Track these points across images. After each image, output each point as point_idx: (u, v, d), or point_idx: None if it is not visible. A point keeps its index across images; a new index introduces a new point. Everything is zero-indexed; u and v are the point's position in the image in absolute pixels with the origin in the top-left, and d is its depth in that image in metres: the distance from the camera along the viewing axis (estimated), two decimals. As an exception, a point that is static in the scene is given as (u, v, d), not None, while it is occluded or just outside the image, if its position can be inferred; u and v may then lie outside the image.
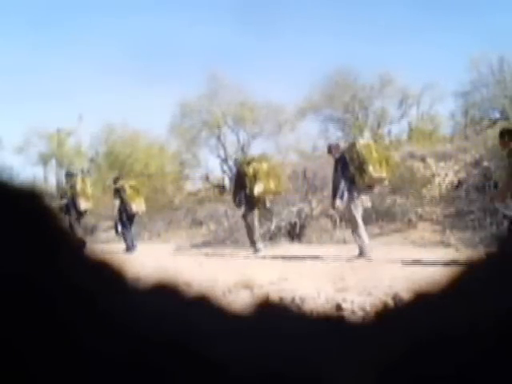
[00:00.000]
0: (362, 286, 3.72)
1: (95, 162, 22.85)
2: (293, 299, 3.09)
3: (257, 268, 5.91)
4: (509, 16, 29.36)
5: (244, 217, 8.20)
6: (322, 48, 36.49)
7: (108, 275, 0.65)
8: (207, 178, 21.29)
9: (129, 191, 9.58)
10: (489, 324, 0.54)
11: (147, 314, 0.60)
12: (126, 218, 9.37)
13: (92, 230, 15.47)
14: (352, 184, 6.70)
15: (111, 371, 0.53)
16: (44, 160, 23.90)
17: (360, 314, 2.68)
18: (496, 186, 9.69)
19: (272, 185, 7.98)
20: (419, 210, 10.34)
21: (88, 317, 0.56)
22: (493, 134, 12.82)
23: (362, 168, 6.57)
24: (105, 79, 38.95)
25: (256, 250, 7.97)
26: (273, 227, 10.96)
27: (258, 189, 7.79)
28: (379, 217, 10.64)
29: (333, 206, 6.89)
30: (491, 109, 18.89)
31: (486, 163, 10.74)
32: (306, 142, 21.44)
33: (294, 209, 11.26)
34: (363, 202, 6.81)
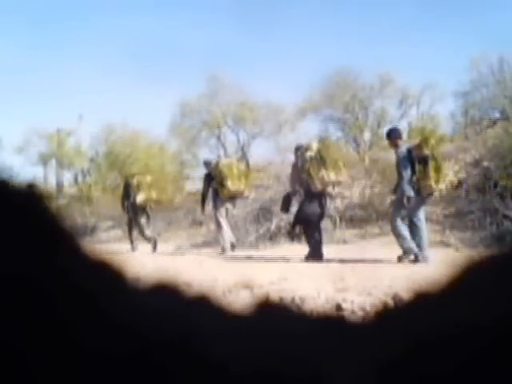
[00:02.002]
0: (362, 286, 3.72)
1: (95, 161, 22.82)
2: (293, 299, 3.08)
3: (257, 268, 5.91)
4: (509, 16, 29.37)
5: (130, 220, 9.74)
6: (322, 48, 36.50)
7: (108, 275, 0.65)
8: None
9: None
10: (488, 324, 0.54)
11: (147, 313, 0.60)
12: None
13: (92, 230, 15.46)
14: (216, 195, 8.32)
15: (111, 371, 0.53)
16: (44, 160, 23.88)
17: (360, 313, 2.68)
18: (496, 185, 9.70)
19: (154, 195, 9.44)
20: (419, 210, 10.32)
21: (88, 317, 0.56)
22: (493, 134, 12.80)
23: (222, 182, 8.12)
24: (105, 79, 38.97)
25: (149, 241, 9.42)
26: (273, 227, 10.96)
27: (139, 198, 9.30)
28: (379, 217, 10.63)
29: (202, 211, 8.78)
30: (491, 109, 18.88)
31: (486, 163, 10.73)
32: (306, 142, 21.40)
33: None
34: (228, 209, 8.47)
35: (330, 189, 6.93)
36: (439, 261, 5.71)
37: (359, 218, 10.89)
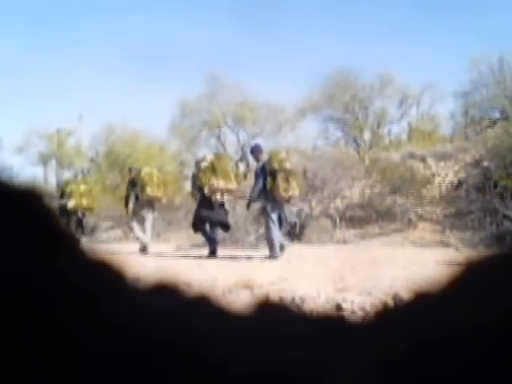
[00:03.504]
0: (362, 286, 3.72)
1: (95, 161, 22.80)
2: (293, 299, 3.08)
3: (257, 268, 5.91)
4: (509, 16, 29.38)
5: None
6: (322, 48, 36.51)
7: (108, 275, 0.65)
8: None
9: None
10: (489, 324, 0.54)
11: (147, 313, 0.61)
12: None
13: (92, 230, 15.46)
14: (137, 199, 9.41)
15: (111, 371, 0.53)
16: (44, 160, 23.87)
17: (360, 313, 2.68)
18: (496, 185, 9.70)
19: (84, 202, 10.82)
20: (419, 210, 10.33)
21: (88, 317, 0.56)
22: (493, 134, 12.81)
23: (143, 189, 9.21)
24: (105, 79, 38.94)
25: None
26: (273, 227, 10.95)
27: (69, 204, 10.61)
28: (379, 217, 10.63)
29: (126, 211, 9.72)
30: (491, 109, 18.88)
31: (486, 163, 10.74)
32: (306, 141, 21.41)
33: (294, 209, 11.26)
34: (146, 214, 9.47)
35: (219, 195, 8.02)
36: (439, 261, 5.71)
37: (359, 218, 10.89)
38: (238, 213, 11.08)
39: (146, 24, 39.59)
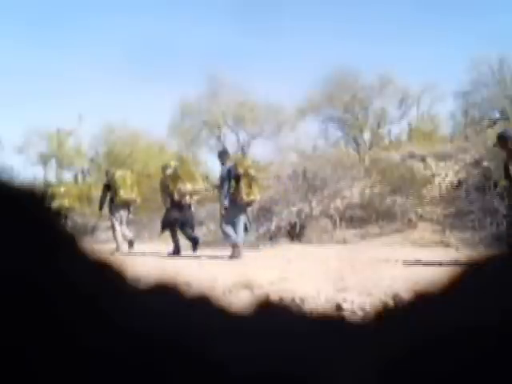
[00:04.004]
0: (362, 286, 3.71)
1: (95, 161, 22.80)
2: (293, 299, 3.08)
3: (257, 268, 5.91)
4: (509, 16, 29.38)
5: None
6: (322, 48, 36.53)
7: (108, 275, 0.65)
8: (207, 178, 21.26)
9: None
10: (489, 324, 0.54)
11: (147, 313, 0.60)
12: None
13: (92, 230, 15.45)
14: (112, 202, 9.82)
15: (111, 371, 0.53)
16: (44, 160, 23.87)
17: (360, 313, 2.67)
18: (496, 185, 9.70)
19: (66, 203, 11.82)
20: (419, 210, 10.34)
21: (88, 317, 0.56)
22: (493, 134, 12.79)
23: (116, 191, 9.61)
24: (105, 79, 38.96)
25: None
26: (273, 227, 10.97)
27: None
28: (379, 217, 10.63)
29: (100, 214, 10.37)
30: (491, 109, 18.87)
31: (485, 163, 10.74)
32: (306, 141, 21.41)
33: (294, 209, 11.26)
34: (122, 215, 9.83)
35: (187, 198, 8.57)
36: (439, 261, 5.71)
37: (359, 218, 10.89)
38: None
39: (146, 24, 39.62)
